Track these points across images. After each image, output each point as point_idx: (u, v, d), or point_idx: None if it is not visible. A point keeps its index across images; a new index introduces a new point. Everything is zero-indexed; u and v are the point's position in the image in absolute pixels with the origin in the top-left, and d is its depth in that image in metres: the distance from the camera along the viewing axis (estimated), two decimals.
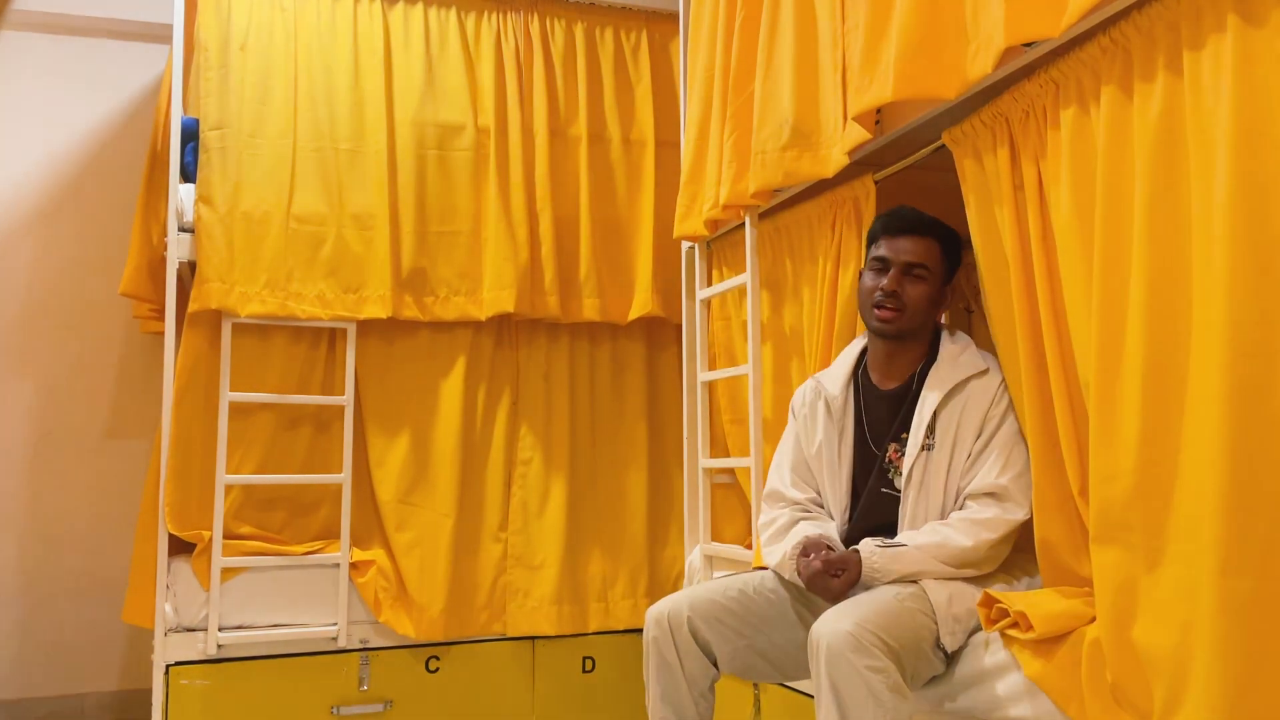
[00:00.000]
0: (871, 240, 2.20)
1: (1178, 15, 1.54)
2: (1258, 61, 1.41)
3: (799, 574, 2.00)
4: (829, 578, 1.94)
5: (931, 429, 2.04)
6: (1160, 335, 1.55)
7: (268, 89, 3.34)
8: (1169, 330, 1.54)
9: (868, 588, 1.94)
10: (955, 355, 2.10)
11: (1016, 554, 2.02)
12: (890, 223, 2.15)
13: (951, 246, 2.16)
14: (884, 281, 2.11)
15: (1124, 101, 1.65)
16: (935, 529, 1.97)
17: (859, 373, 2.23)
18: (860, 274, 2.23)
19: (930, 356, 2.13)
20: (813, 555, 1.98)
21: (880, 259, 2.14)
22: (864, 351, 2.25)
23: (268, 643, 3.23)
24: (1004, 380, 2.03)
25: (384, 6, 3.52)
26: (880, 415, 2.16)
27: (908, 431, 2.08)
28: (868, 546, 1.96)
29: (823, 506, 2.24)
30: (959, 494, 2.01)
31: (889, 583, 1.95)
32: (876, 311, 2.11)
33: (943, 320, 2.28)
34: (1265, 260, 1.39)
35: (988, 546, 1.93)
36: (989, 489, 1.96)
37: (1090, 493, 1.69)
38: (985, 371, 2.05)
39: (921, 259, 2.11)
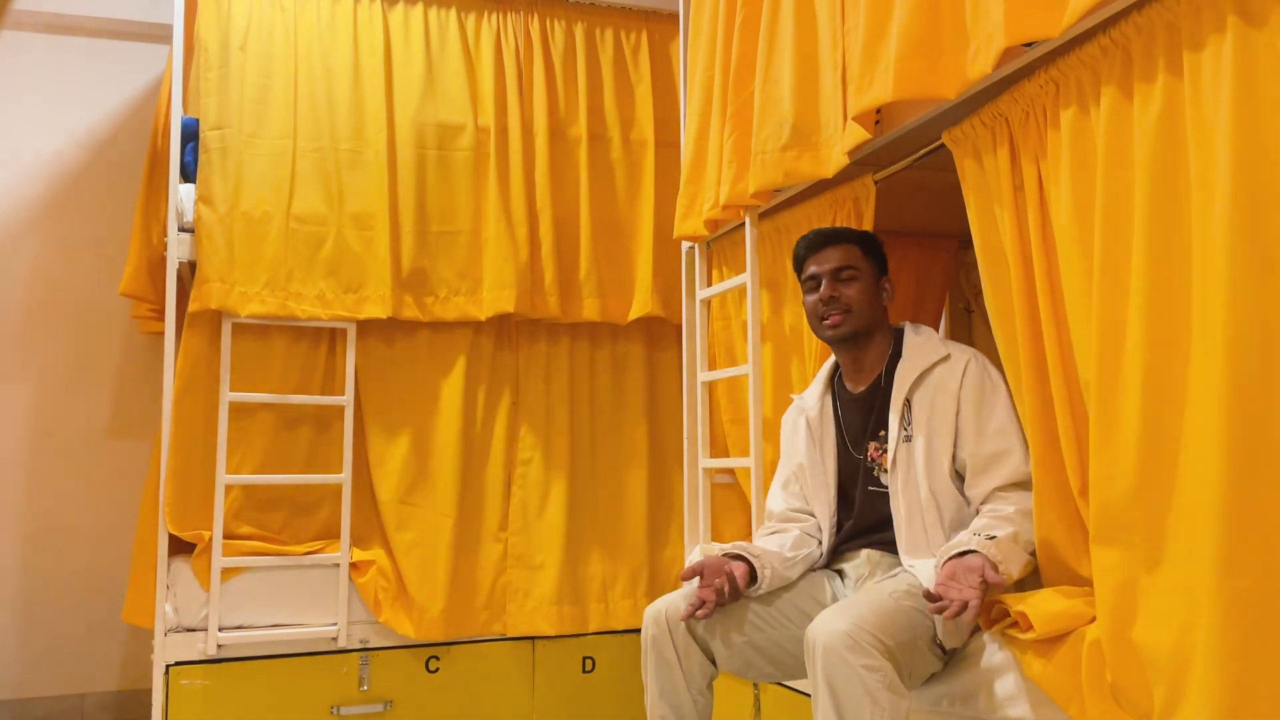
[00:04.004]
0: (798, 268, 2.29)
1: (1178, 15, 1.54)
2: (1258, 61, 1.41)
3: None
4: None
5: (907, 420, 2.08)
6: (1160, 335, 1.55)
7: (268, 89, 3.34)
8: (1169, 330, 1.54)
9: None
10: (919, 346, 2.16)
11: None
12: (808, 243, 2.27)
13: (870, 246, 2.24)
14: (820, 292, 2.20)
15: (1124, 101, 1.65)
16: (1006, 519, 1.88)
17: (834, 384, 2.30)
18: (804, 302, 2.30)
19: (896, 354, 2.19)
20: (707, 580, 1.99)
21: (811, 276, 2.24)
22: (837, 364, 2.31)
23: (268, 643, 3.23)
24: (969, 360, 2.06)
25: (384, 6, 3.52)
26: (855, 418, 2.21)
27: (884, 429, 2.12)
28: (982, 538, 1.82)
29: (809, 514, 2.29)
30: (957, 477, 2.03)
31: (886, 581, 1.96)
32: (824, 323, 2.20)
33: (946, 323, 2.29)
34: (1265, 260, 1.39)
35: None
36: (1018, 479, 1.96)
37: (1090, 493, 1.69)
38: (947, 357, 2.09)
39: (845, 261, 2.20)
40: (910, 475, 2.05)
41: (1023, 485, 1.96)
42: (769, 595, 2.12)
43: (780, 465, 2.40)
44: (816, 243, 2.25)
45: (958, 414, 2.04)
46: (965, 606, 1.67)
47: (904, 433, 2.07)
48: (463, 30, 3.61)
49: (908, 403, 2.08)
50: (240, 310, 3.21)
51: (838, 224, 2.55)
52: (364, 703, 3.32)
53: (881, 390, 2.16)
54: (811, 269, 2.24)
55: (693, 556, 3.10)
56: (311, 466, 3.40)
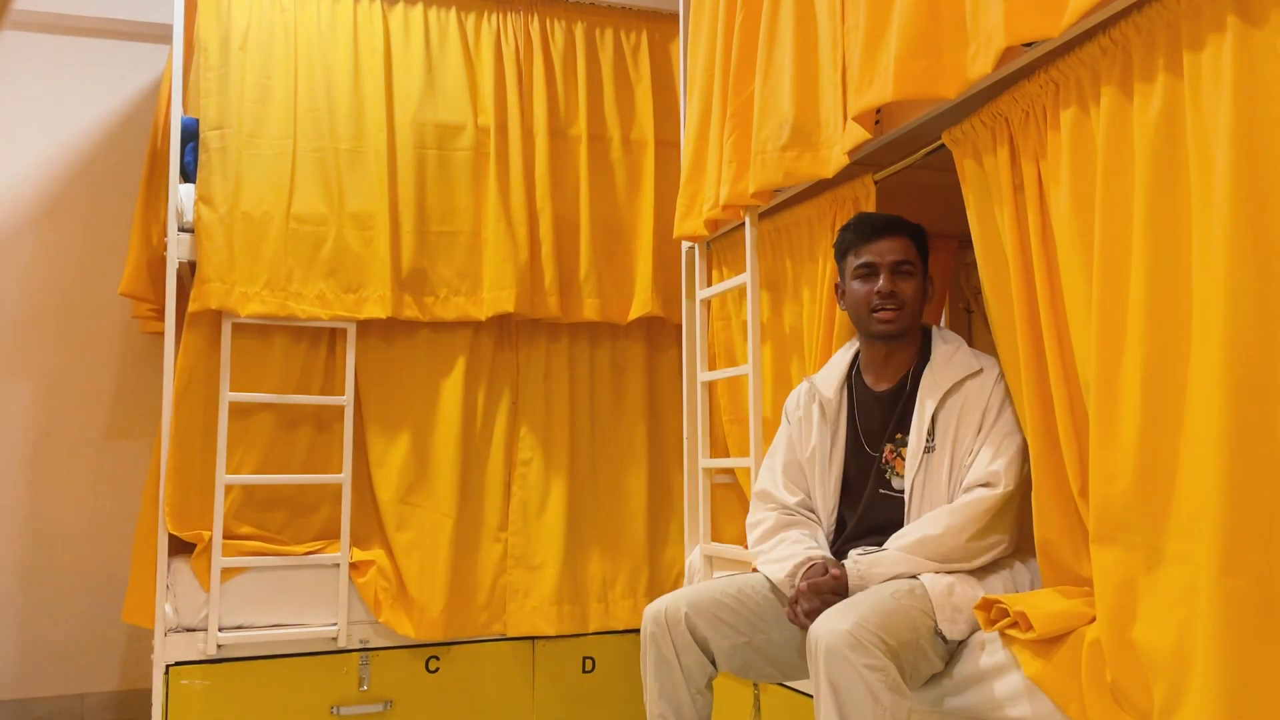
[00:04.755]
0: (847, 250, 2.21)
1: (1178, 15, 1.54)
2: (1258, 61, 1.41)
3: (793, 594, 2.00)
4: (816, 600, 1.92)
5: (931, 431, 2.05)
6: (1160, 335, 1.55)
7: (268, 89, 3.34)
8: (1169, 330, 1.54)
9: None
10: (949, 355, 2.11)
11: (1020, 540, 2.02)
12: (864, 228, 2.19)
13: (922, 242, 2.19)
14: (879, 284, 2.12)
15: (1124, 101, 1.65)
16: (914, 526, 1.98)
17: (852, 375, 2.25)
18: (836, 286, 2.28)
19: (923, 357, 2.15)
20: (807, 582, 1.96)
21: (867, 264, 2.16)
22: (857, 355, 2.27)
23: (268, 643, 3.23)
24: (999, 375, 2.04)
25: (384, 6, 3.52)
26: (874, 416, 2.17)
27: (904, 433, 2.10)
28: (851, 558, 1.98)
29: (813, 510, 2.25)
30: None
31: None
32: (878, 315, 2.12)
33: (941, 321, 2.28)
34: (1265, 260, 1.39)
35: (955, 533, 1.92)
36: (982, 479, 1.97)
37: (1090, 493, 1.69)
38: (979, 371, 2.07)
39: (905, 255, 2.15)
40: (928, 488, 2.03)
41: (989, 483, 1.95)
42: (768, 594, 2.12)
43: (781, 446, 2.32)
44: (874, 229, 2.16)
45: (980, 427, 2.02)
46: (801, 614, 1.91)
47: (928, 444, 2.04)
48: (463, 30, 3.61)
49: (934, 415, 2.05)
50: (240, 310, 3.21)
51: (837, 225, 2.53)
52: (364, 703, 3.32)
53: (906, 393, 2.12)
54: (867, 257, 2.15)
55: (693, 557, 3.10)
56: (311, 466, 3.40)
